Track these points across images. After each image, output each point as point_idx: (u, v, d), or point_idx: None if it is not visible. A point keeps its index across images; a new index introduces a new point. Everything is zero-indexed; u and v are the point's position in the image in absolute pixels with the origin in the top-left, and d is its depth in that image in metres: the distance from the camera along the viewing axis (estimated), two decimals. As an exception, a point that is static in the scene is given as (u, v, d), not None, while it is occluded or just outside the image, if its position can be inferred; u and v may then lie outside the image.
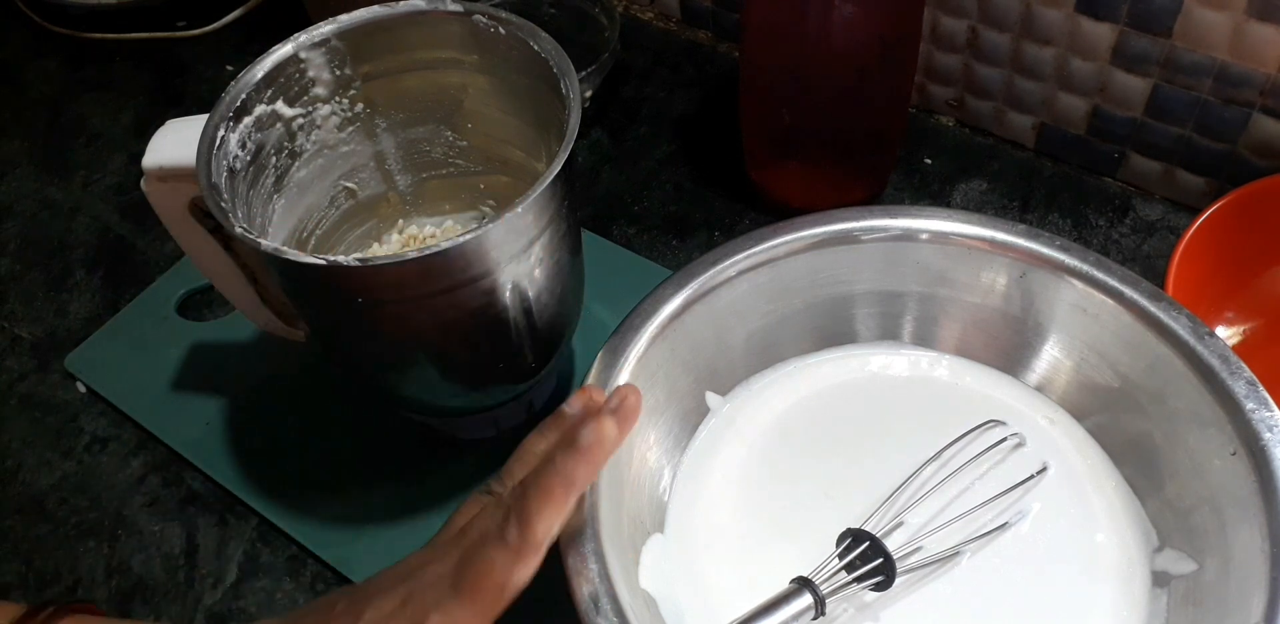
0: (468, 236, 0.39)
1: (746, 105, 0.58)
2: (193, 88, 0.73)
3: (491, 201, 0.55)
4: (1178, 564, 0.43)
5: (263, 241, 0.39)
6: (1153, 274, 0.56)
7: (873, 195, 0.61)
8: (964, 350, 0.51)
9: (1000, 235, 0.47)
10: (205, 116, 0.43)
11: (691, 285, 0.47)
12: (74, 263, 0.64)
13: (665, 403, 0.47)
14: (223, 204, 0.41)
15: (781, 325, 0.50)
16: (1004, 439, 0.47)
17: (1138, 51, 0.55)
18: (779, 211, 0.60)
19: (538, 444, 0.40)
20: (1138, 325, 0.45)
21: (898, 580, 0.42)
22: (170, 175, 0.44)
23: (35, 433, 0.56)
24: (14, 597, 0.51)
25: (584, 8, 0.66)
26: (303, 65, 0.46)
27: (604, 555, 0.40)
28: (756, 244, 0.48)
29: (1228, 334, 0.53)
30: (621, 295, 0.51)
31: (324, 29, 0.46)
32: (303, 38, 0.45)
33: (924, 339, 0.51)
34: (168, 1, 0.76)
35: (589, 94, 0.65)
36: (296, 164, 0.48)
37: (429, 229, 0.56)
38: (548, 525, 0.35)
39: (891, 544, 0.42)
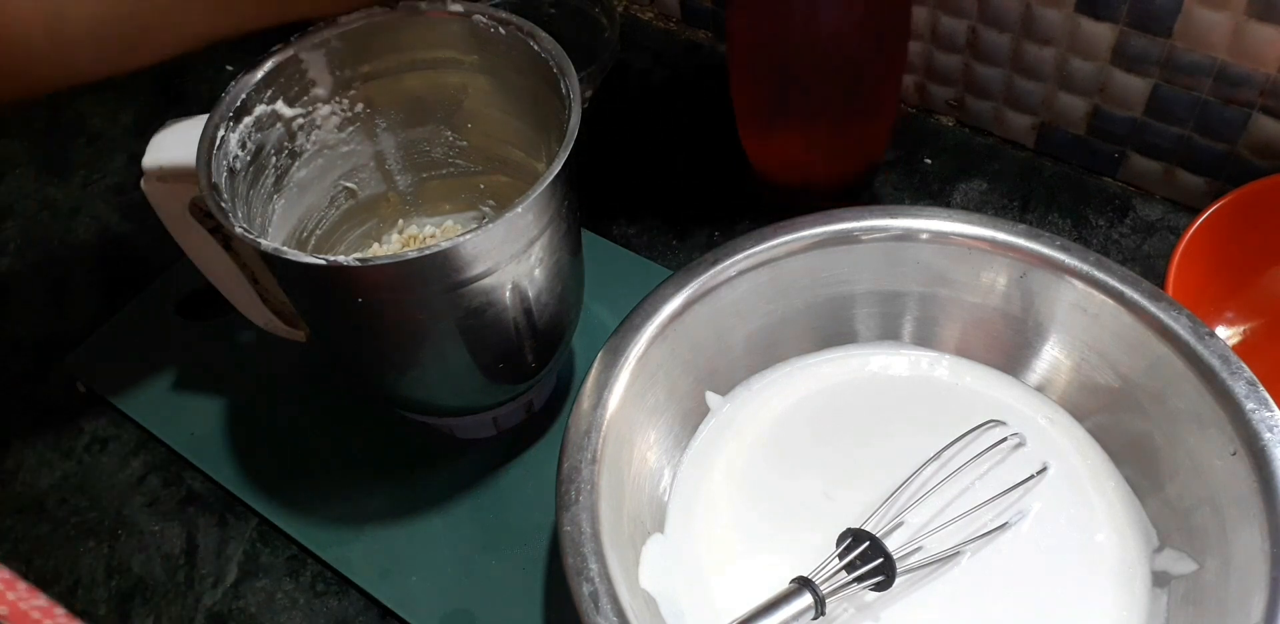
0: (468, 236, 0.39)
1: (736, 75, 0.57)
2: (193, 88, 0.73)
3: (491, 201, 0.55)
4: (1178, 564, 0.43)
5: (263, 241, 0.39)
6: (1153, 274, 0.56)
7: (870, 166, 0.60)
8: (964, 350, 0.51)
9: (1000, 235, 0.47)
10: (205, 116, 0.43)
11: (691, 285, 0.47)
12: (74, 263, 0.64)
13: (665, 403, 0.47)
14: (223, 204, 0.41)
15: (781, 325, 0.50)
16: (1004, 439, 0.47)
17: (1138, 51, 0.55)
18: (774, 188, 0.60)
19: None
20: (1138, 325, 0.45)
21: (898, 580, 0.42)
22: (170, 175, 0.44)
23: (35, 433, 0.56)
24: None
25: (584, 8, 0.66)
26: (303, 65, 0.46)
27: (604, 555, 0.40)
28: (756, 244, 0.48)
29: (1228, 334, 0.53)
30: (621, 295, 0.51)
31: (324, 29, 0.46)
32: (303, 38, 0.45)
33: (924, 339, 0.51)
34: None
35: (589, 94, 0.65)
36: (296, 164, 0.48)
37: (429, 229, 0.56)
38: None
39: (892, 544, 0.42)
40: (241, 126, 0.44)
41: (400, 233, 0.55)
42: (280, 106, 0.46)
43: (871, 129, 0.58)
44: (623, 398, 0.44)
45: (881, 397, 0.50)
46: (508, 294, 0.43)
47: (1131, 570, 0.44)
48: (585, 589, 0.39)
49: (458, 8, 0.46)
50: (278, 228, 0.48)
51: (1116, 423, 0.47)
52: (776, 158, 0.60)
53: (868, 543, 0.42)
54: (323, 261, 0.38)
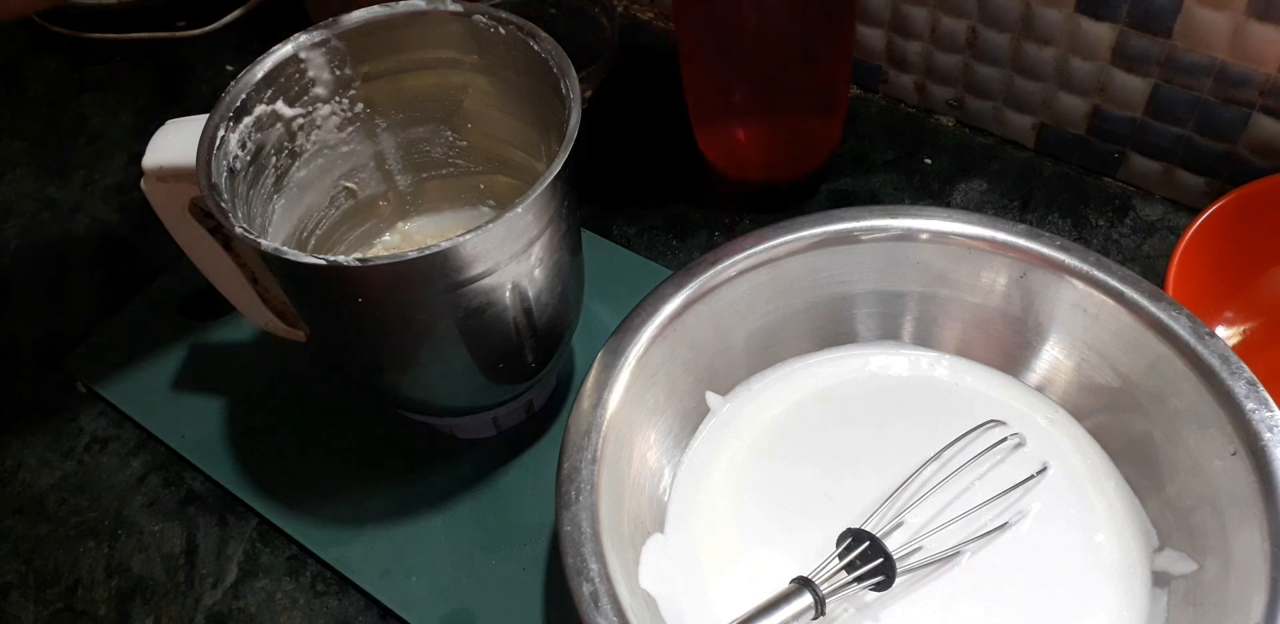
0: (468, 236, 0.39)
1: (687, 70, 0.57)
2: (193, 88, 0.73)
3: (491, 201, 0.55)
4: (1178, 564, 0.43)
5: (263, 241, 0.39)
6: (1153, 274, 0.56)
7: (825, 159, 0.60)
8: (964, 350, 0.51)
9: (1000, 235, 0.47)
10: (205, 116, 0.43)
11: (691, 285, 0.47)
12: (74, 263, 0.64)
13: (665, 403, 0.47)
14: (223, 204, 0.41)
15: (781, 325, 0.50)
16: (1004, 439, 0.47)
17: (1138, 51, 0.55)
18: (727, 183, 0.60)
19: None
20: (1138, 325, 0.45)
21: (898, 580, 0.42)
22: (170, 175, 0.44)
23: (35, 433, 0.56)
24: (14, 597, 0.51)
25: (584, 8, 0.66)
26: (303, 65, 0.46)
27: (604, 555, 0.40)
28: (756, 244, 0.48)
29: (1228, 334, 0.53)
30: (621, 295, 0.51)
31: (324, 29, 0.46)
32: (303, 38, 0.45)
33: (924, 339, 0.51)
34: (168, 1, 0.76)
35: (589, 94, 0.65)
36: (296, 164, 0.48)
37: (429, 229, 0.56)
38: None
39: (892, 544, 0.42)
40: (241, 126, 0.44)
41: (400, 233, 0.55)
42: (280, 106, 0.46)
43: (824, 123, 0.58)
44: (623, 398, 0.44)
45: (881, 397, 0.50)
46: (508, 294, 0.43)
47: (1131, 570, 0.44)
48: (585, 589, 0.39)
49: (457, 8, 0.46)
50: (278, 228, 0.48)
51: (1116, 423, 0.47)
52: (732, 155, 0.60)
53: (868, 543, 0.42)
54: (323, 261, 0.38)
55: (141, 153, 0.44)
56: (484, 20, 0.45)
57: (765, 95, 0.56)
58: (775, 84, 0.55)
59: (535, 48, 0.44)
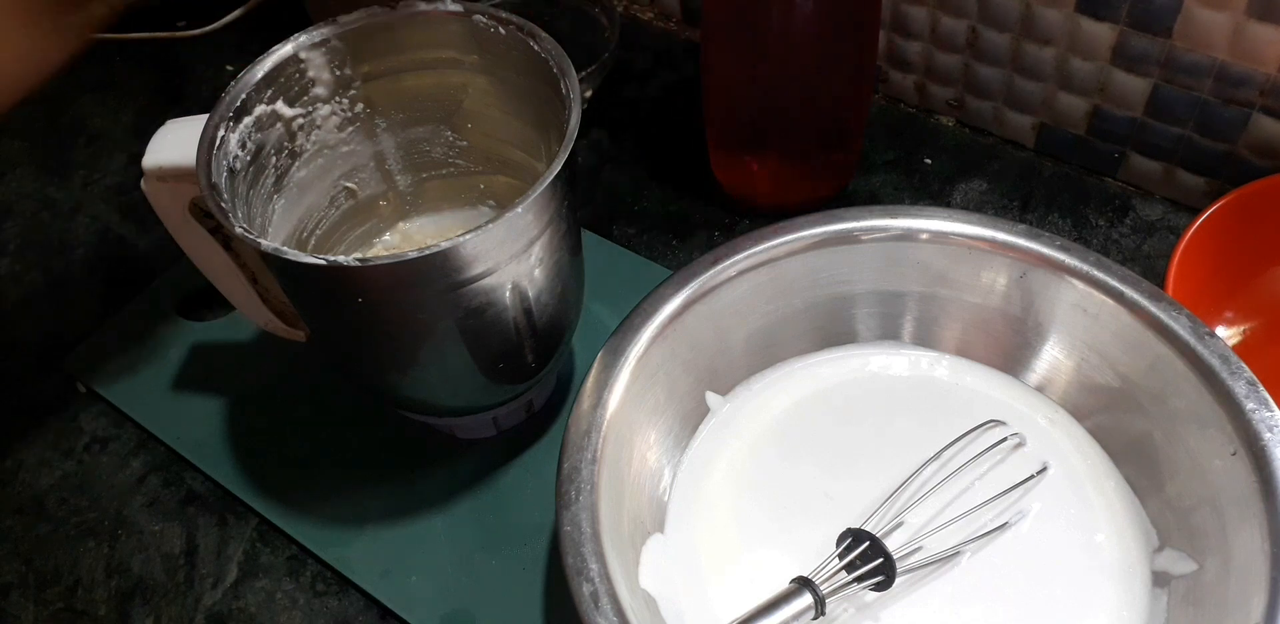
0: (468, 236, 0.39)
1: (709, 100, 0.58)
2: (193, 88, 0.73)
3: (491, 201, 0.55)
4: (1178, 564, 0.43)
5: (263, 241, 0.39)
6: (1153, 274, 0.56)
7: (837, 191, 0.61)
8: (964, 350, 0.51)
9: (1000, 235, 0.47)
10: (205, 116, 0.43)
11: (691, 285, 0.47)
12: (74, 263, 0.64)
13: (665, 403, 0.47)
14: (223, 204, 0.41)
15: (781, 325, 0.50)
16: (1004, 439, 0.47)
17: (1138, 51, 0.55)
18: (742, 209, 0.62)
19: None
20: (1138, 325, 0.45)
21: (898, 580, 0.42)
22: (170, 175, 0.44)
23: (35, 433, 0.56)
24: (14, 597, 0.51)
25: (584, 8, 0.66)
26: (303, 65, 0.46)
27: (604, 555, 0.40)
28: (756, 244, 0.48)
29: (1228, 334, 0.53)
30: (621, 295, 0.51)
31: (324, 29, 0.46)
32: (303, 38, 0.45)
33: (924, 339, 0.51)
34: (168, 1, 0.76)
35: (589, 94, 0.65)
36: (296, 164, 0.48)
37: (429, 229, 0.56)
38: None
39: (892, 544, 0.42)
40: (241, 126, 0.44)
41: (400, 233, 0.55)
42: (280, 106, 0.46)
43: (837, 158, 0.60)
44: (623, 398, 0.44)
45: (881, 396, 0.50)
46: (508, 294, 0.43)
47: (1131, 570, 0.44)
48: (585, 589, 0.39)
49: (458, 8, 0.46)
50: (278, 228, 0.48)
51: (1116, 423, 0.47)
52: (748, 187, 0.61)
53: (868, 543, 0.42)
54: (323, 261, 0.38)
55: (141, 153, 0.44)
56: (484, 20, 0.45)
57: (781, 129, 0.57)
58: (793, 120, 0.56)
59: (535, 48, 0.44)
